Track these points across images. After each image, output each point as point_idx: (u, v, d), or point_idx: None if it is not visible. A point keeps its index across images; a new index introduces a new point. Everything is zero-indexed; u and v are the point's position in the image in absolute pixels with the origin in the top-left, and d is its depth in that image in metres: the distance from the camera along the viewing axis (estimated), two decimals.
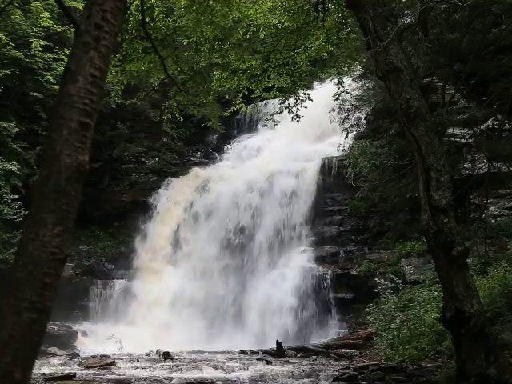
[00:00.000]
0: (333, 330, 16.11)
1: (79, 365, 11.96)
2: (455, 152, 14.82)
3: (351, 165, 18.46)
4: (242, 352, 13.96)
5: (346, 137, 18.52)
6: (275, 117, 13.40)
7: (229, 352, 14.19)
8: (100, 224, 20.79)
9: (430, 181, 7.45)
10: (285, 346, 13.69)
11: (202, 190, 20.74)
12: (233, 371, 11.13)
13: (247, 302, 17.25)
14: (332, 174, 19.54)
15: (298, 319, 16.44)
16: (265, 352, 13.64)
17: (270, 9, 12.29)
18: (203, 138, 24.59)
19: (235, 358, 13.03)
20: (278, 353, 13.33)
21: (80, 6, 17.00)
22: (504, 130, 11.85)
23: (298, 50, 12.33)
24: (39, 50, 18.56)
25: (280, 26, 12.13)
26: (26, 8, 19.22)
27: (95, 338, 15.93)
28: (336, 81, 13.72)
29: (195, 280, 18.21)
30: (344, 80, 13.61)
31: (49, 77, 18.82)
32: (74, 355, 13.55)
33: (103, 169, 20.87)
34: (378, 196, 15.82)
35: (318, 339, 15.60)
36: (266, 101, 14.93)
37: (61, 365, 12.02)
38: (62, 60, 18.61)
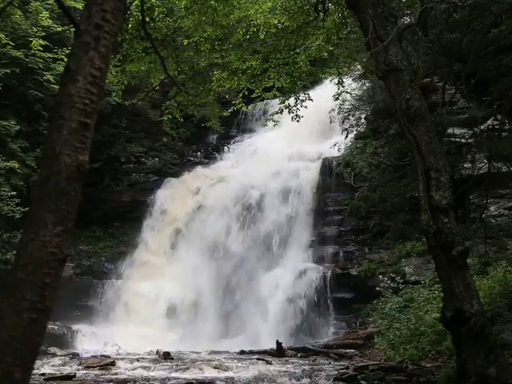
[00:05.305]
0: (333, 330, 16.11)
1: (79, 365, 11.95)
2: (455, 152, 14.84)
3: (351, 165, 18.46)
4: (242, 352, 13.95)
5: (346, 137, 18.54)
6: (275, 117, 13.41)
7: (229, 352, 14.19)
8: (100, 224, 20.79)
9: (430, 181, 7.45)
10: (285, 345, 13.69)
11: (201, 190, 20.74)
12: (233, 371, 11.13)
13: (246, 302, 17.24)
14: (332, 173, 19.55)
15: (297, 319, 16.42)
16: (265, 352, 13.63)
17: (270, 9, 12.29)
18: (203, 138, 24.60)
19: (235, 358, 13.03)
20: (278, 353, 13.33)
21: (80, 6, 17.00)
22: (504, 130, 11.86)
23: (297, 50, 12.33)
24: (39, 50, 18.55)
25: (280, 26, 12.12)
26: (26, 8, 19.21)
27: (95, 338, 15.92)
28: (336, 81, 13.72)
29: (195, 280, 18.19)
30: (344, 80, 13.61)
31: (49, 76, 18.82)
32: (74, 355, 13.53)
33: (103, 169, 20.87)
34: (378, 196, 15.82)
35: (317, 339, 15.60)
36: (266, 101, 14.93)
37: (61, 365, 12.00)
38: (62, 60, 18.60)
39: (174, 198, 20.87)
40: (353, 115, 17.70)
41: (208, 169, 22.49)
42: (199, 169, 22.40)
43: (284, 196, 19.34)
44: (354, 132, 18.65)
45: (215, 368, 11.40)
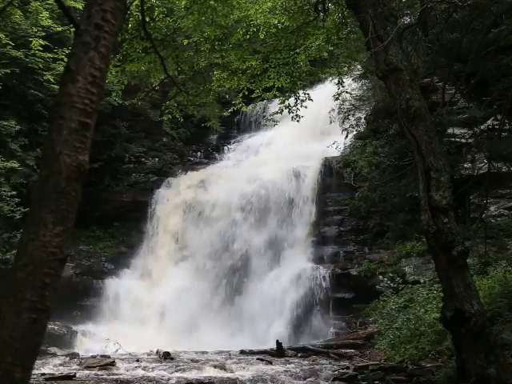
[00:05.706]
0: (333, 330, 16.10)
1: (79, 365, 11.95)
2: (455, 152, 14.84)
3: (351, 165, 18.46)
4: (242, 352, 13.94)
5: (346, 137, 18.54)
6: (275, 117, 13.42)
7: (229, 352, 14.19)
8: (100, 224, 20.78)
9: (430, 181, 7.46)
10: (285, 345, 13.68)
11: (202, 190, 20.73)
12: (233, 371, 11.13)
13: (247, 302, 17.24)
14: (332, 173, 19.54)
15: (297, 319, 16.42)
16: (265, 352, 13.61)
17: (270, 9, 12.30)
18: (203, 138, 24.61)
19: (235, 358, 13.02)
20: (278, 353, 13.32)
21: (80, 6, 17.00)
22: (504, 130, 11.87)
23: (297, 50, 12.34)
24: (39, 50, 18.55)
25: (280, 26, 12.13)
26: (26, 8, 19.21)
27: (95, 338, 15.92)
28: (336, 81, 13.72)
29: (195, 280, 18.20)
30: (344, 80, 13.61)
31: (49, 76, 18.81)
32: (74, 355, 13.52)
33: (103, 169, 20.86)
34: (378, 196, 15.83)
35: (317, 339, 15.59)
36: (266, 100, 14.94)
37: (61, 365, 12.01)
38: (62, 60, 18.59)
39: (154, 253, 20.05)
40: (353, 115, 17.71)
41: (195, 172, 22.07)
42: (181, 185, 21.24)
43: (284, 196, 19.30)
44: (354, 132, 18.65)
45: (215, 368, 11.39)
